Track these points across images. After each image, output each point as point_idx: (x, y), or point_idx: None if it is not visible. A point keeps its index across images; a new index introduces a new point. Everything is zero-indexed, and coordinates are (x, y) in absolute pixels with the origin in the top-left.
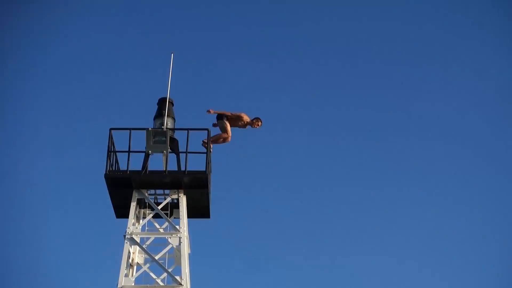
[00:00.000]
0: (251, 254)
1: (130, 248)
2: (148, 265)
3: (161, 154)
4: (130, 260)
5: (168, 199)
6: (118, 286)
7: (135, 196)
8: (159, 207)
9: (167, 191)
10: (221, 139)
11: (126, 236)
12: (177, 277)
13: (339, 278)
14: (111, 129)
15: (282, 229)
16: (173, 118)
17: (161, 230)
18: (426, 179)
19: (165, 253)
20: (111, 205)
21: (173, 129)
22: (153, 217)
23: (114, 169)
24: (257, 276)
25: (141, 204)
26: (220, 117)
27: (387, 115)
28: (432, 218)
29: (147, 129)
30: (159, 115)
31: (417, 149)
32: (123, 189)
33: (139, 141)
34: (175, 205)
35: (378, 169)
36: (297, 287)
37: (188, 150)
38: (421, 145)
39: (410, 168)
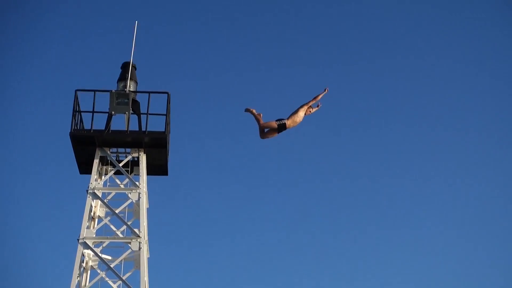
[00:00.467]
0: (204, 208)
1: (92, 202)
2: (108, 218)
3: (124, 115)
4: (92, 213)
5: (129, 157)
6: (80, 237)
7: (98, 153)
8: (121, 165)
9: (128, 150)
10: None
11: (89, 191)
12: (136, 230)
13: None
14: (76, 90)
15: (235, 187)
16: (136, 82)
17: (122, 186)
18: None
19: (125, 207)
20: (75, 162)
21: (135, 92)
22: (114, 173)
23: (79, 128)
24: (208, 227)
25: (104, 161)
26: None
27: (388, 114)
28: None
29: (110, 91)
30: (123, 78)
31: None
32: (87, 147)
33: (103, 102)
34: (135, 162)
35: (378, 168)
36: (254, 240)
37: (149, 112)
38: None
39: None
